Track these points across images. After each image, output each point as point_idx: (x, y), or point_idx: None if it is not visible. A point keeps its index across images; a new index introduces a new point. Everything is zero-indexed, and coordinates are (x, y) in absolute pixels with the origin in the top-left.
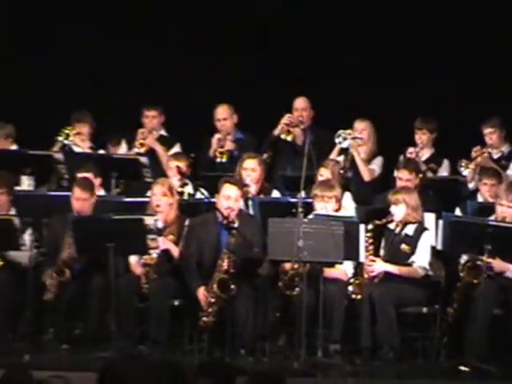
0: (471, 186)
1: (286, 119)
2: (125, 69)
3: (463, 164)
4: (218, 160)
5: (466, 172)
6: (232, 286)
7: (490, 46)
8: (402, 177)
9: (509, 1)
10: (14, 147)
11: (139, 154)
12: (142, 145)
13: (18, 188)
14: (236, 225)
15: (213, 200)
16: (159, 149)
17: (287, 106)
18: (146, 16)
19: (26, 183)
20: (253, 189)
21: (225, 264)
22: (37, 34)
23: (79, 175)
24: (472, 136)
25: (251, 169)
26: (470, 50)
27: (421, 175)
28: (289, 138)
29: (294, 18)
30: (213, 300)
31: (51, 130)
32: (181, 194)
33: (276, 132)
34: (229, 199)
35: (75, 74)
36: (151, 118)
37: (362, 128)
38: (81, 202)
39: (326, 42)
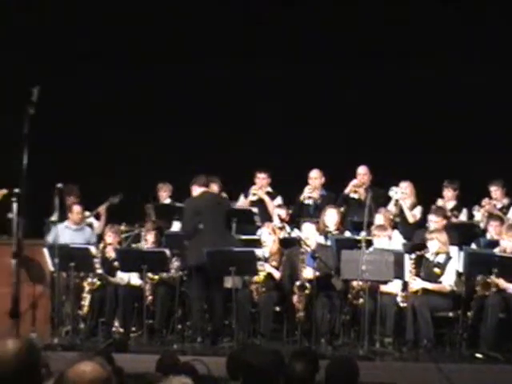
0: (482, 226)
1: (353, 182)
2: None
3: (476, 209)
4: (306, 202)
5: (477, 214)
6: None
7: None
8: (432, 219)
9: None
10: (168, 201)
11: (252, 202)
12: (254, 194)
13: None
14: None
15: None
16: (267, 200)
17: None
18: None
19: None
20: (332, 229)
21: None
22: None
23: None
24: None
25: (332, 216)
26: None
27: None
28: (355, 196)
29: None
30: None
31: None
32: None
33: (346, 191)
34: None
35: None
36: (261, 179)
37: (405, 186)
38: None
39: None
